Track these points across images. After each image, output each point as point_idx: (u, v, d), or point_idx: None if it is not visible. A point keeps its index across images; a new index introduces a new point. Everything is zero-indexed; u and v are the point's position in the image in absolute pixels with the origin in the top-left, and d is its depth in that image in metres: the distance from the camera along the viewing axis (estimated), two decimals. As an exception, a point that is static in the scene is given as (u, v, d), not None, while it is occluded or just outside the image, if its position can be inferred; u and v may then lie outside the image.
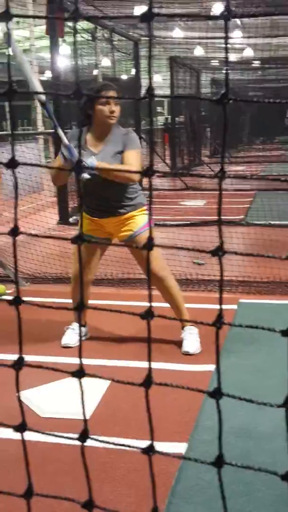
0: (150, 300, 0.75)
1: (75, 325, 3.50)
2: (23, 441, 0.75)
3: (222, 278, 0.73)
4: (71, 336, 3.46)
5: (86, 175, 2.99)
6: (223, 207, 0.76)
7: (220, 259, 0.72)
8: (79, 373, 0.73)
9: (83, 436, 0.74)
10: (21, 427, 0.75)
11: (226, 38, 0.74)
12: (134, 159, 3.11)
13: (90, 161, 2.99)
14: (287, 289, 4.38)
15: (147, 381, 0.72)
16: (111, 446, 2.15)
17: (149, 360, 0.68)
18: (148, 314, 0.73)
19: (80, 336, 0.95)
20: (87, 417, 2.66)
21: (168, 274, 3.34)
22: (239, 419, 2.53)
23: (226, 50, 0.85)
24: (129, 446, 0.76)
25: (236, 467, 0.85)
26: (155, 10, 0.72)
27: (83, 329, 3.52)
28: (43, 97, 3.12)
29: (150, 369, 0.71)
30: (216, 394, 0.70)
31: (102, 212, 3.25)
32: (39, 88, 3.18)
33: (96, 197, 3.20)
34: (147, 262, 0.80)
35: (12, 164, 0.77)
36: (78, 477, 2.17)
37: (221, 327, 0.70)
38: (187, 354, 3.22)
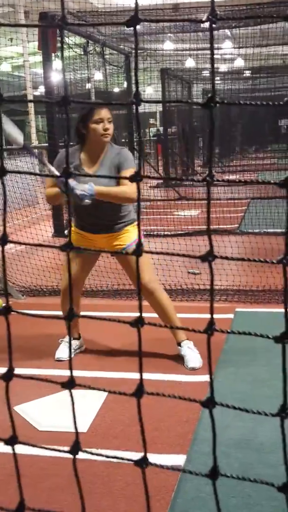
0: (140, 307, 0.74)
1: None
2: (14, 454, 0.74)
3: (212, 284, 0.72)
4: (65, 349, 3.44)
5: (87, 200, 2.99)
6: (217, 216, 0.75)
7: (211, 264, 0.71)
8: (70, 384, 0.72)
9: (75, 449, 0.72)
10: (12, 440, 0.73)
11: (212, 41, 0.74)
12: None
13: (89, 188, 2.97)
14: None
15: (139, 391, 0.71)
16: (109, 459, 2.13)
17: (140, 369, 0.67)
18: (138, 322, 0.72)
19: (70, 349, 0.93)
20: (85, 430, 2.64)
21: (158, 286, 3.30)
22: (238, 430, 2.50)
23: (212, 52, 0.84)
24: (122, 459, 0.74)
25: (236, 479, 0.84)
26: (140, 17, 0.72)
27: (77, 342, 3.50)
28: (20, 141, 3.09)
29: (141, 378, 0.70)
30: (209, 403, 0.68)
31: (95, 228, 3.25)
32: (19, 135, 3.14)
33: (90, 215, 3.20)
34: (137, 271, 0.80)
35: (1, 172, 0.76)
36: (76, 492, 2.14)
37: (212, 334, 0.69)
38: (193, 369, 3.18)
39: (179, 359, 3.30)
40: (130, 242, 3.24)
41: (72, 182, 2.97)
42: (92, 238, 3.28)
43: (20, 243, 0.84)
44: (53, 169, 3.11)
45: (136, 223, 3.26)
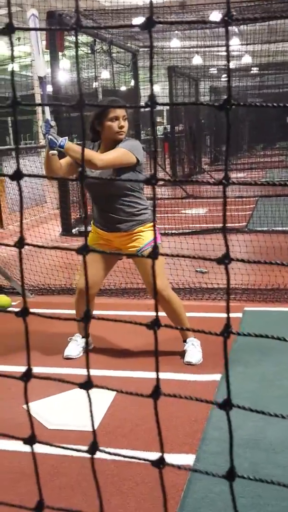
0: (156, 310, 0.74)
1: (78, 337, 3.49)
2: (33, 454, 0.74)
3: (229, 287, 0.72)
4: (74, 347, 3.45)
5: (54, 151, 3.00)
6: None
7: (227, 267, 0.71)
8: (87, 384, 0.73)
9: (93, 448, 0.73)
10: (30, 440, 0.74)
11: (228, 42, 0.74)
12: (112, 153, 3.07)
13: (62, 139, 2.96)
14: (292, 296, 4.35)
15: (156, 392, 0.71)
16: (119, 458, 2.13)
17: (157, 370, 0.67)
18: (154, 324, 0.72)
19: (87, 347, 0.93)
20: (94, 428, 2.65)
21: (171, 293, 3.30)
22: (248, 430, 2.50)
23: (228, 56, 0.85)
24: (139, 459, 0.75)
25: (247, 479, 0.84)
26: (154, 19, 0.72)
27: (87, 339, 3.50)
28: (42, 72, 3.12)
29: (158, 379, 0.70)
30: (226, 405, 0.69)
31: (109, 227, 3.22)
32: (42, 64, 3.18)
33: (103, 211, 3.20)
34: (153, 274, 0.80)
35: (17, 176, 0.76)
36: (86, 490, 2.16)
37: (228, 336, 0.69)
38: (189, 364, 3.22)
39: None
40: (145, 244, 3.20)
41: (52, 129, 2.98)
42: (108, 237, 3.26)
43: (36, 246, 0.84)
44: (47, 111, 3.12)
45: (151, 223, 3.25)
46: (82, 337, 3.48)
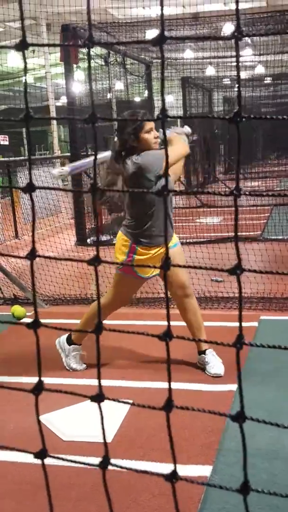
0: (168, 321, 0.74)
1: (74, 349, 3.47)
2: (44, 467, 0.74)
3: (241, 297, 0.72)
4: (76, 359, 3.47)
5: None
6: (240, 223, 0.75)
7: (239, 277, 0.71)
8: (98, 397, 0.73)
9: (104, 462, 0.72)
10: (41, 454, 0.74)
11: (238, 56, 0.74)
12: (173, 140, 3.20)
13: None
14: (308, 305, 4.31)
15: (168, 405, 0.71)
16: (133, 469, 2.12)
17: (169, 382, 0.67)
18: (166, 335, 0.72)
19: (99, 360, 0.93)
20: (109, 440, 2.64)
21: (193, 294, 3.35)
22: (265, 440, 2.47)
23: (238, 69, 0.84)
24: (152, 473, 0.74)
25: (260, 492, 0.83)
26: (166, 34, 0.73)
27: (76, 346, 3.45)
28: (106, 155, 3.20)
29: (170, 392, 0.70)
30: (239, 417, 0.68)
31: (163, 235, 3.12)
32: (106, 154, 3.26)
33: (166, 216, 3.13)
34: (165, 284, 0.80)
35: (30, 188, 0.77)
36: (101, 502, 2.14)
37: (241, 347, 0.69)
38: (218, 376, 3.18)
39: (199, 368, 3.29)
40: (172, 244, 3.25)
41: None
42: (157, 249, 3.19)
43: (47, 257, 0.85)
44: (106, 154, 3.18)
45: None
46: (72, 344, 3.43)
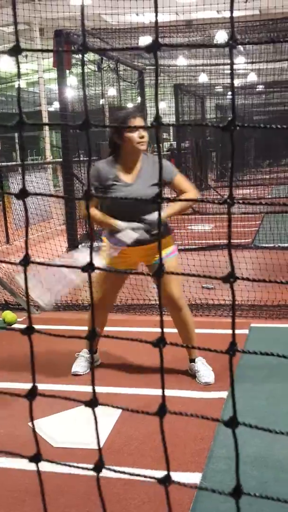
0: (161, 327, 0.74)
1: (85, 353, 3.48)
2: (39, 473, 0.74)
3: (234, 305, 0.73)
4: (81, 363, 3.43)
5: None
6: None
7: (232, 286, 0.72)
8: (92, 402, 0.72)
9: (98, 466, 0.72)
10: (36, 458, 0.74)
11: (232, 64, 0.75)
12: (185, 183, 3.16)
13: (141, 233, 3.01)
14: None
15: (161, 410, 0.71)
16: (125, 476, 2.11)
17: (163, 388, 0.67)
18: (160, 342, 0.72)
19: (93, 363, 0.93)
20: (100, 446, 2.62)
21: (186, 305, 3.31)
22: (255, 447, 2.48)
23: (232, 77, 0.85)
24: (144, 477, 0.74)
25: (253, 497, 0.83)
26: (160, 40, 0.74)
27: (94, 356, 3.48)
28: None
29: (163, 397, 0.70)
30: (232, 423, 0.68)
31: (136, 240, 3.05)
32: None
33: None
34: (159, 290, 0.80)
35: (23, 194, 0.77)
36: (92, 509, 2.13)
37: (234, 354, 0.69)
38: (207, 384, 3.17)
39: (190, 375, 3.29)
40: (166, 254, 3.17)
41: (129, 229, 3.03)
42: (129, 252, 3.11)
43: (41, 264, 0.85)
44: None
45: (170, 234, 3.29)
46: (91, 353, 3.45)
